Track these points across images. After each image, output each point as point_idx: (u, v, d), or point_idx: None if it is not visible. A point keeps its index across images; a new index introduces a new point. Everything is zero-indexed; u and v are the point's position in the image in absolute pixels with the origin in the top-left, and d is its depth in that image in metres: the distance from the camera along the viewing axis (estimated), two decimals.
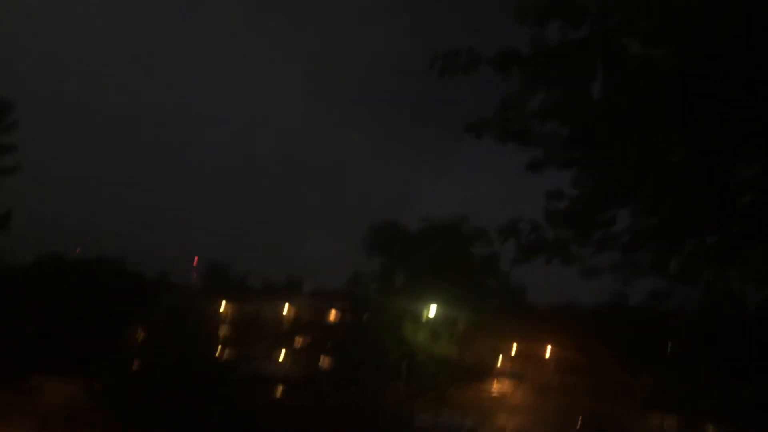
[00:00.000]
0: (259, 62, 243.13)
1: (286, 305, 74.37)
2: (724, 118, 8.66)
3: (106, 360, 32.88)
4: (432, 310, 51.27)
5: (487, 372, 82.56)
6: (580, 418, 58.69)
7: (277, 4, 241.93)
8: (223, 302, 71.12)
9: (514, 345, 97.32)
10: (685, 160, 9.60)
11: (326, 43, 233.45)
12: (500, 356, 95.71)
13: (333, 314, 72.17)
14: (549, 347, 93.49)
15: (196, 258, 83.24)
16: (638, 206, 10.43)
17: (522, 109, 9.67)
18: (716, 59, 7.88)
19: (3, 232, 30.43)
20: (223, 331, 62.68)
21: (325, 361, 65.41)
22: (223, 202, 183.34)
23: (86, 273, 50.65)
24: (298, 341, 72.15)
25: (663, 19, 7.82)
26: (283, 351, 68.89)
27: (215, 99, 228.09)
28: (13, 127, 28.62)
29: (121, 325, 47.83)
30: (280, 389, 46.98)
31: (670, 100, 8.54)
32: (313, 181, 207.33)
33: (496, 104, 9.50)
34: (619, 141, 9.49)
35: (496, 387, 62.32)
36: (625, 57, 8.61)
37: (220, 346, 44.09)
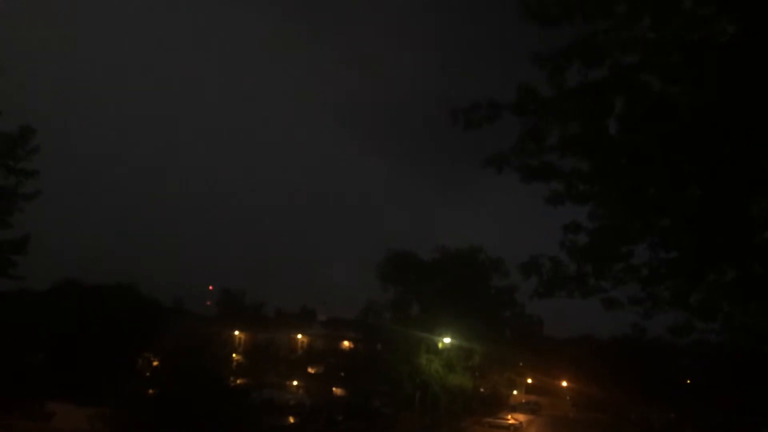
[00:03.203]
0: (286, 89, 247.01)
1: (300, 334, 74.30)
2: (743, 154, 8.74)
3: (121, 386, 32.90)
4: (446, 341, 50.88)
5: (502, 404, 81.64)
6: None
7: (309, 35, 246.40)
8: (238, 330, 71.19)
9: (530, 377, 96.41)
10: (704, 195, 9.65)
11: (352, 74, 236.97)
12: (515, 388, 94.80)
13: (347, 343, 72.02)
14: (565, 380, 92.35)
15: (211, 286, 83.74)
16: (657, 240, 10.46)
17: (541, 143, 9.80)
18: (735, 96, 8.00)
19: (21, 256, 30.79)
20: (237, 358, 62.69)
21: (338, 390, 65.08)
22: (238, 230, 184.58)
23: (103, 299, 50.90)
24: (312, 370, 71.98)
25: (683, 57, 7.98)
26: (297, 379, 68.67)
27: (236, 125, 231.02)
28: (34, 152, 29.11)
29: (137, 351, 47.96)
30: (293, 417, 46.63)
31: (689, 135, 8.64)
32: (331, 210, 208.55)
33: (516, 139, 9.64)
34: (638, 175, 9.58)
35: (511, 419, 61.35)
36: (644, 94, 8.73)
37: (234, 374, 44.00)
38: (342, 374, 64.98)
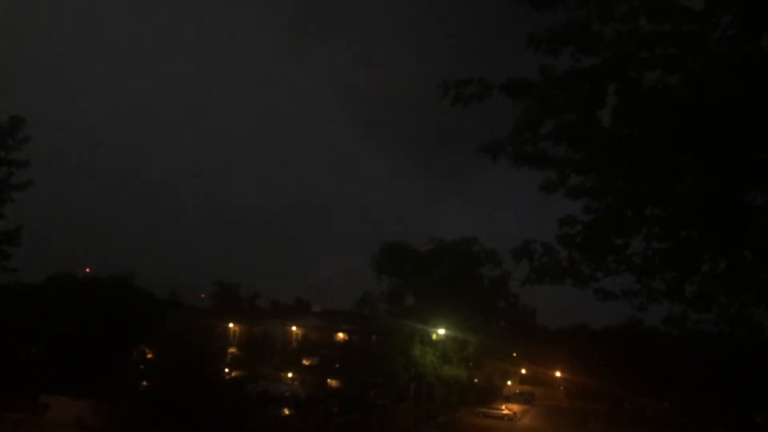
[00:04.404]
0: (286, 85, 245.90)
1: (295, 326, 74.24)
2: (738, 145, 8.69)
3: (115, 378, 32.77)
4: (441, 331, 50.94)
5: (496, 394, 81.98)
6: None
7: (311, 27, 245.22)
8: (232, 322, 71.06)
9: (524, 367, 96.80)
10: (698, 185, 9.62)
11: (352, 69, 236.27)
12: (510, 379, 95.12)
13: (341, 335, 72.03)
14: (559, 370, 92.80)
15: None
16: (651, 231, 10.43)
17: (536, 131, 9.73)
18: (731, 87, 7.94)
19: (14, 248, 30.51)
20: (232, 350, 62.67)
21: (333, 382, 65.17)
22: (234, 222, 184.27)
23: (97, 291, 50.78)
24: (307, 362, 71.98)
25: (679, 47, 7.92)
26: (292, 371, 68.67)
27: (236, 120, 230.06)
28: (25, 142, 28.79)
29: (131, 343, 47.85)
30: (288, 409, 46.68)
31: (684, 126, 8.59)
32: (327, 203, 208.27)
33: (511, 126, 9.58)
34: (632, 165, 9.53)
35: (506, 409, 61.65)
36: (639, 83, 8.67)
37: (228, 366, 43.95)
38: (337, 366, 65.06)
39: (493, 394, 77.16)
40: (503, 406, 63.42)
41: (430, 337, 51.11)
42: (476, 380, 68.62)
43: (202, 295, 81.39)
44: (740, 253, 10.05)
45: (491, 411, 59.88)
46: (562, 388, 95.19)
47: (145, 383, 30.16)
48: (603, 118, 9.45)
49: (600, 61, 8.65)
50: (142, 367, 40.80)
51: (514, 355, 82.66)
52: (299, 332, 74.13)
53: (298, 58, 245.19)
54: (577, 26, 8.45)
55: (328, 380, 65.70)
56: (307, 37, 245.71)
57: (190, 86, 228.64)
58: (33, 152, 28.66)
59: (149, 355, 43.91)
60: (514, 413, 61.54)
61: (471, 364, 58.66)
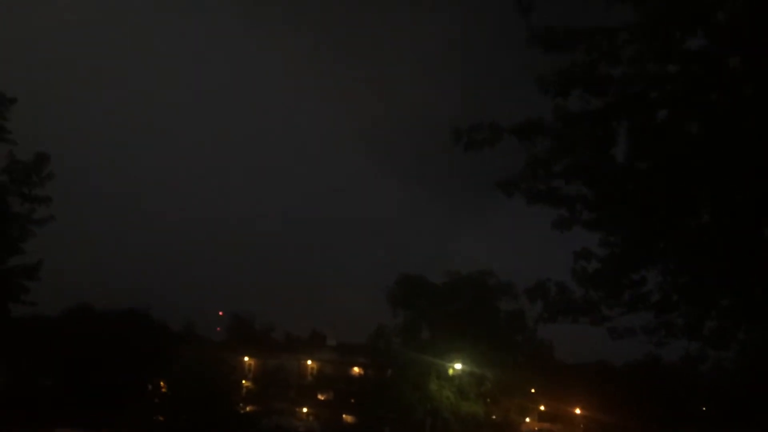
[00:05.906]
0: (302, 114, 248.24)
1: (310, 360, 73.82)
2: (753, 179, 8.69)
3: (130, 411, 32.78)
4: (457, 366, 50.41)
5: (514, 431, 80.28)
6: None
7: (328, 55, 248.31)
8: (247, 356, 70.88)
9: (543, 404, 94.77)
10: (714, 220, 9.60)
11: (371, 100, 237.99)
12: (528, 415, 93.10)
13: (357, 369, 71.44)
14: (579, 407, 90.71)
15: (221, 312, 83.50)
16: (668, 266, 10.37)
17: (548, 169, 9.82)
18: (745, 123, 7.99)
19: (33, 282, 30.82)
20: (247, 384, 62.41)
21: (348, 417, 64.41)
22: (249, 254, 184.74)
23: (114, 324, 51.05)
24: (322, 396, 71.36)
25: (688, 86, 8.02)
26: (306, 406, 68.04)
27: (251, 145, 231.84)
28: (48, 179, 29.37)
29: (147, 376, 47.87)
30: None
31: (698, 161, 8.62)
32: (344, 234, 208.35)
33: (523, 164, 9.68)
34: (646, 201, 9.54)
35: None
36: (650, 121, 8.75)
37: (243, 400, 43.75)
38: (352, 400, 64.42)
39: (511, 431, 75.65)
40: None
41: (447, 371, 50.57)
42: (494, 416, 67.47)
43: (218, 329, 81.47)
44: (753, 289, 9.97)
45: None
46: (582, 425, 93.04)
47: (159, 416, 30.18)
48: (617, 153, 9.51)
49: (609, 102, 8.77)
50: (156, 400, 40.86)
51: (532, 390, 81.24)
52: (314, 366, 73.68)
53: (315, 85, 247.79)
54: (585, 68, 8.61)
55: (343, 415, 65.00)
56: (327, 67, 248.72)
57: (206, 114, 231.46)
58: (53, 185, 29.15)
59: (164, 388, 43.95)
60: None
61: (488, 399, 57.79)
